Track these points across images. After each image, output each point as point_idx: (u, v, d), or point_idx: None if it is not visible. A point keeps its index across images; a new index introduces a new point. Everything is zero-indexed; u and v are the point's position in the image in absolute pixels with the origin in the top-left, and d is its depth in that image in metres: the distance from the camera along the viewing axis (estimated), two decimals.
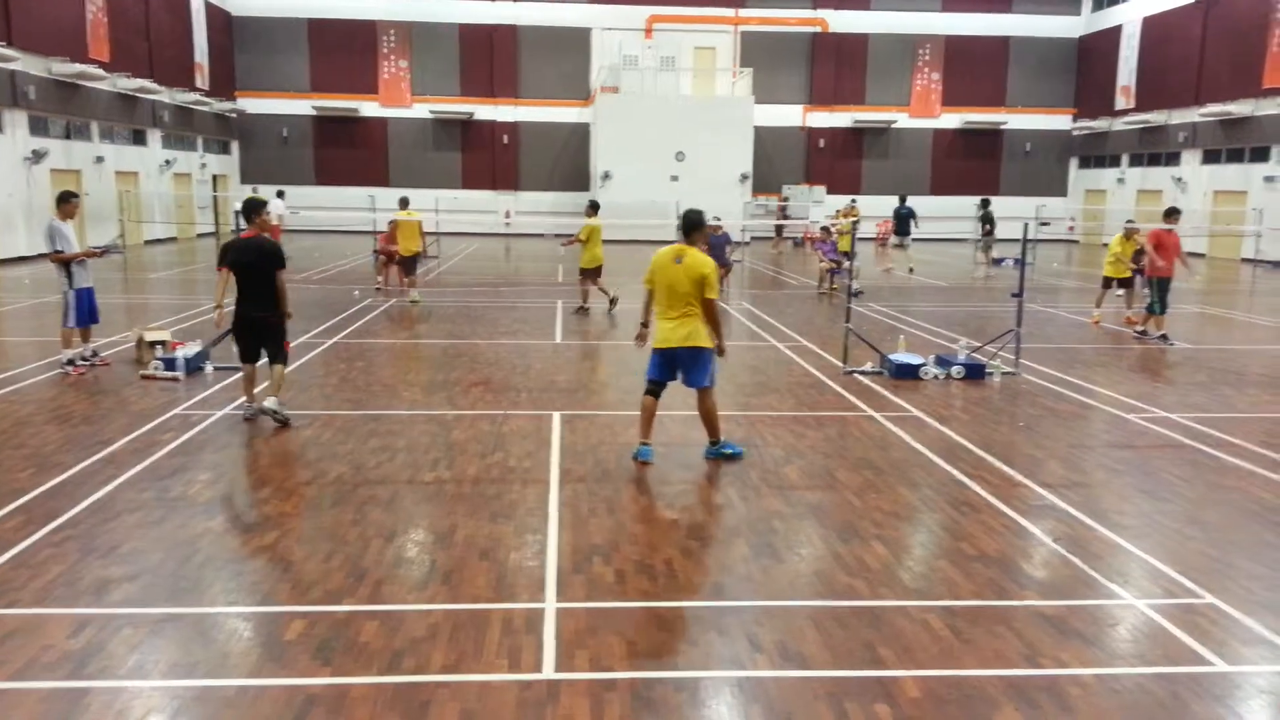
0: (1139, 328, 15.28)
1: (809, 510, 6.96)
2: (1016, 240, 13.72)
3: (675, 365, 7.95)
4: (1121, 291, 17.23)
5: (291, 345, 9.42)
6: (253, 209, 9.25)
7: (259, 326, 9.07)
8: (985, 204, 29.40)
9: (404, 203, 19.82)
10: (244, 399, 9.36)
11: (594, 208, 17.83)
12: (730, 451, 8.16)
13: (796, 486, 7.48)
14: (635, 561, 5.92)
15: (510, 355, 12.88)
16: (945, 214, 37.53)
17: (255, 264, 8.96)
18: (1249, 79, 32.32)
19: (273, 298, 9.01)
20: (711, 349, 7.89)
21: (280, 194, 31.76)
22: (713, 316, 7.85)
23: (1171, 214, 15.41)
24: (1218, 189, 34.64)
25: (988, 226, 28.33)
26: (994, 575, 5.80)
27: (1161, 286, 14.71)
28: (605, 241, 17.19)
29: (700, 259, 7.76)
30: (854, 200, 31.53)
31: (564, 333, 15.00)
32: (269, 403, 9.01)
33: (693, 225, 7.99)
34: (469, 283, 22.48)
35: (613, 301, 17.26)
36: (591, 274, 17.05)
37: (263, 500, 7.00)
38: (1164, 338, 14.61)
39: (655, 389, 8.09)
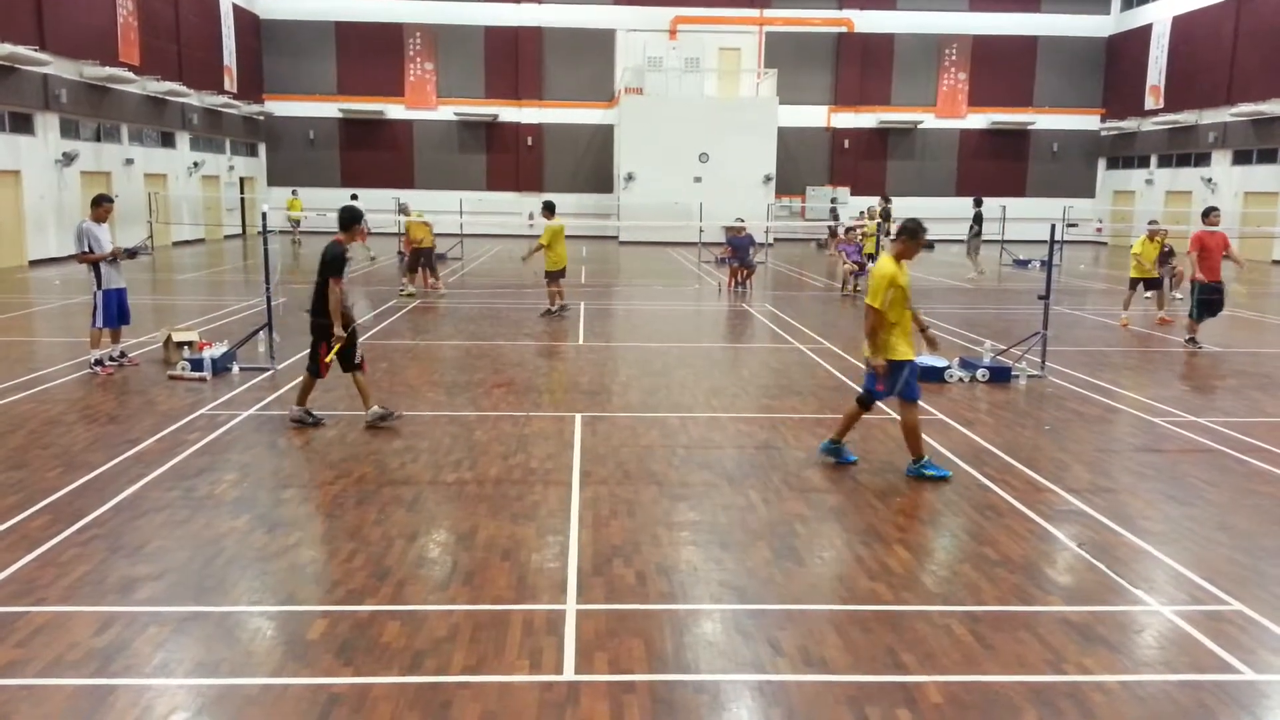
0: (1188, 335, 14.43)
1: (831, 513, 6.93)
2: (1042, 242, 13.62)
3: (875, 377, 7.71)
4: (1150, 293, 17.07)
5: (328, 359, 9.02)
6: (352, 219, 9.03)
7: (311, 331, 9.02)
8: (978, 203, 28.00)
9: (404, 209, 20.42)
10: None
11: (549, 209, 17.34)
12: (932, 474, 7.66)
13: (819, 489, 7.45)
14: (656, 564, 5.92)
15: (533, 357, 12.92)
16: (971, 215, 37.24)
17: (319, 270, 8.91)
18: None
19: (323, 304, 8.87)
20: (898, 361, 7.62)
21: (354, 198, 31.83)
22: (869, 324, 7.58)
23: (1210, 213, 14.66)
24: (1248, 190, 34.21)
25: (976, 228, 27.15)
26: (1018, 580, 5.75)
27: (1203, 291, 14.01)
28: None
29: (881, 264, 7.56)
30: (884, 201, 31.36)
31: (586, 335, 15.02)
32: (370, 412, 9.05)
33: (902, 231, 7.68)
34: (492, 284, 22.55)
35: (562, 308, 16.80)
36: (556, 276, 16.82)
37: (287, 500, 7.05)
38: (1192, 340, 14.26)
39: (862, 397, 7.99)
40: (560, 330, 15.35)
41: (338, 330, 8.83)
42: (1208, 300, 14.13)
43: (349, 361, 9.10)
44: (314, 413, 9.19)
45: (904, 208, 26.78)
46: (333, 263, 8.78)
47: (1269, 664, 4.79)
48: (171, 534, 6.28)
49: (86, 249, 11.36)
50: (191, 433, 8.78)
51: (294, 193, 39.14)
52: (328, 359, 8.94)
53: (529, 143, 42.20)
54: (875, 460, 8.26)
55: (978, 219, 27.41)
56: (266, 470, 7.81)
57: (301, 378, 9.33)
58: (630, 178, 37.73)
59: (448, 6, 41.20)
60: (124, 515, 6.61)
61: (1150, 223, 17.24)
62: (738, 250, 21.55)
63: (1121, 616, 5.30)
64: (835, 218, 34.13)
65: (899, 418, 7.87)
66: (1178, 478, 7.90)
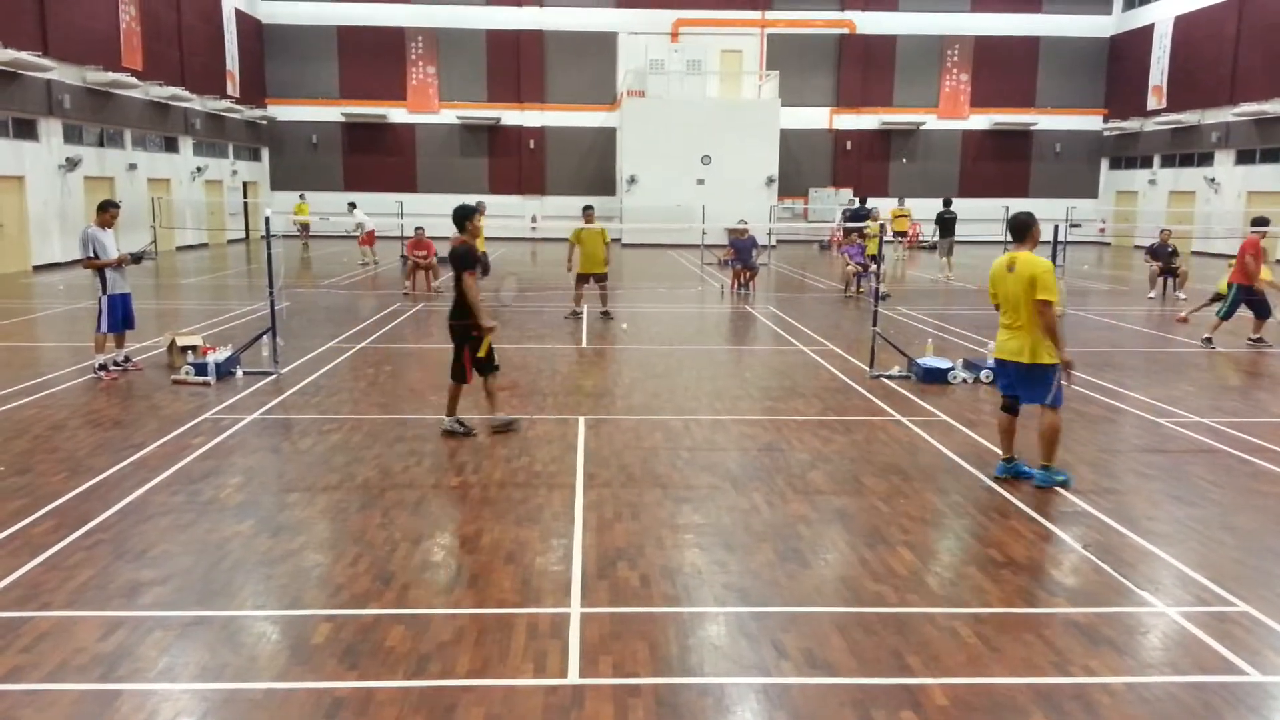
0: (1254, 335, 14.56)
1: (835, 515, 6.92)
2: (1045, 243, 13.56)
3: (1012, 378, 7.52)
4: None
5: (475, 365, 8.88)
6: (464, 217, 8.92)
7: (452, 334, 8.95)
8: (946, 204, 26.79)
9: (352, 206, 20.62)
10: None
11: (587, 211, 17.73)
12: (1061, 480, 7.51)
13: (823, 491, 7.45)
14: (660, 566, 5.91)
15: (536, 360, 12.92)
16: (974, 216, 37.24)
17: (454, 269, 8.79)
18: None
19: (462, 304, 8.75)
20: (1051, 365, 7.27)
21: (352, 205, 31.78)
22: (1046, 323, 7.15)
23: (1260, 222, 14.52)
24: (1251, 190, 34.16)
25: (944, 232, 26.02)
26: (1023, 582, 5.74)
27: (1238, 294, 14.10)
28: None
29: (1031, 261, 7.23)
30: (893, 204, 31.27)
31: (590, 337, 15.02)
32: (496, 418, 9.06)
33: (1022, 227, 7.43)
34: (495, 287, 22.53)
35: (574, 314, 16.96)
36: (581, 280, 16.98)
37: (291, 504, 7.06)
38: (1208, 340, 14.29)
39: (1006, 404, 7.65)
40: (563, 333, 15.35)
41: (485, 323, 8.74)
42: (1251, 302, 14.24)
43: (488, 364, 8.97)
44: (464, 421, 9.01)
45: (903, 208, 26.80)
46: (463, 258, 8.65)
47: (1275, 665, 4.77)
48: (176, 538, 6.29)
49: (92, 254, 11.38)
50: (196, 437, 8.79)
51: (301, 197, 39.19)
52: (481, 353, 8.83)
53: (531, 146, 42.22)
54: (878, 462, 8.25)
55: (941, 219, 26.37)
56: (271, 474, 7.82)
57: (447, 387, 9.12)
58: (633, 180, 37.73)
59: (449, 10, 41.24)
60: (129, 520, 6.62)
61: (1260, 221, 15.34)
62: (740, 252, 21.55)
63: (1127, 618, 5.29)
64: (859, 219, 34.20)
65: (1044, 422, 7.43)
66: (1182, 478, 7.88)
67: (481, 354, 8.86)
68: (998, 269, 7.55)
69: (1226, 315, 14.25)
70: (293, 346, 13.09)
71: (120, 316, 11.56)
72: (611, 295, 17.37)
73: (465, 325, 8.81)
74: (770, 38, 41.81)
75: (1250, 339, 14.59)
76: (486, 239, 19.97)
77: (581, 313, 16.95)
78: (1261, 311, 14.36)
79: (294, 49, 41.36)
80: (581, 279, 17.01)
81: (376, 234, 28.13)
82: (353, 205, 30.77)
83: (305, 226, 34.66)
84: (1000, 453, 7.84)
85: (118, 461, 7.96)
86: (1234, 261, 14.40)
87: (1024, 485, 7.59)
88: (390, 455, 8.31)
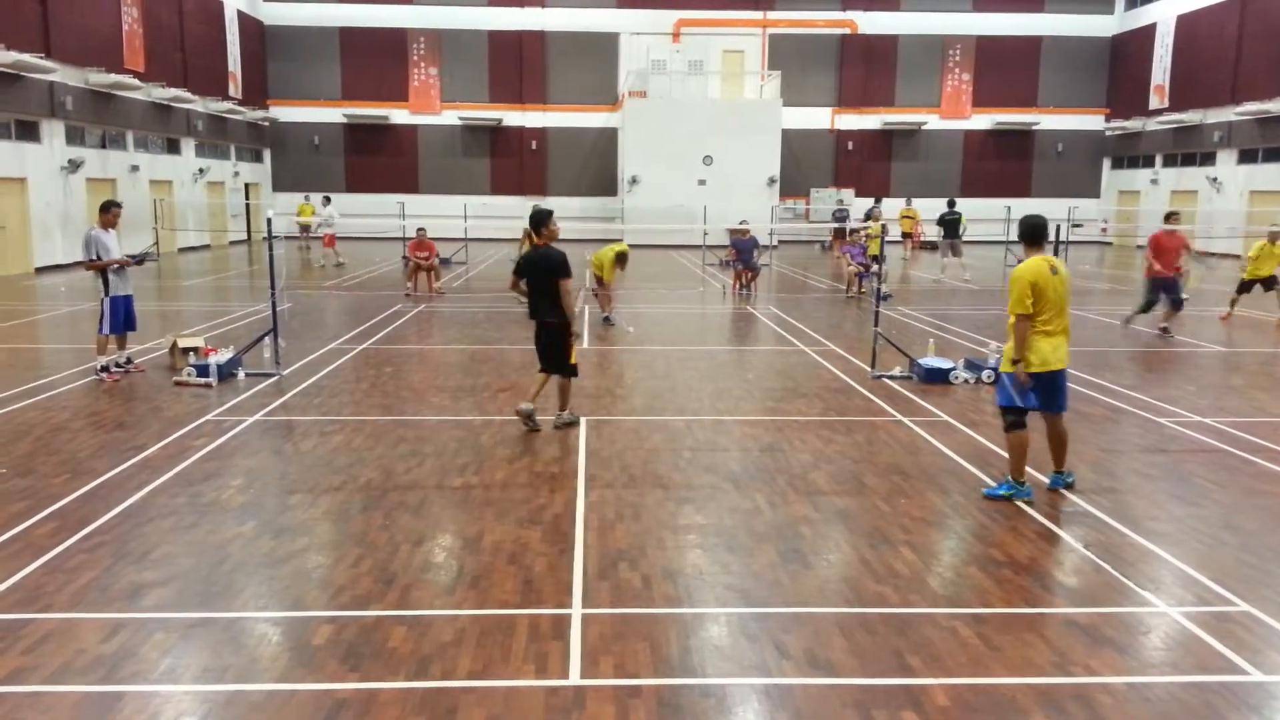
0: (1163, 324, 15.67)
1: (837, 516, 6.92)
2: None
3: (1051, 390, 7.18)
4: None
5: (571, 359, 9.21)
6: (540, 221, 9.13)
7: (542, 333, 9.23)
8: (951, 204, 26.32)
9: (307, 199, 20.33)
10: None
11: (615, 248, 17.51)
12: (1070, 481, 7.46)
13: (824, 492, 7.45)
14: (662, 567, 5.92)
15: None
16: (976, 216, 37.23)
17: (540, 274, 9.03)
18: None
19: (555, 305, 9.01)
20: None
21: (327, 199, 31.53)
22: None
23: (1171, 216, 15.75)
24: (1254, 189, 34.13)
25: (947, 233, 25.76)
26: (1024, 582, 5.74)
27: (1153, 287, 15.41)
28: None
29: (1059, 263, 7.14)
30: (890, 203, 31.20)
31: (590, 338, 15.03)
32: (559, 417, 9.33)
33: (1042, 229, 7.22)
34: (497, 288, 22.55)
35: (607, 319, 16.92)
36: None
37: (293, 505, 7.06)
38: (1164, 330, 15.45)
39: (1018, 420, 7.20)
40: None
41: (576, 327, 9.20)
42: (1159, 289, 15.48)
43: (570, 366, 9.27)
44: (533, 415, 9.20)
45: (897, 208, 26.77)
46: (562, 265, 8.93)
47: (1277, 665, 4.77)
48: (178, 540, 6.30)
49: (94, 256, 11.40)
50: (197, 438, 8.80)
51: (306, 198, 39.15)
52: (572, 358, 9.23)
53: (533, 147, 42.23)
54: (880, 463, 8.25)
55: (942, 221, 26.07)
56: (272, 476, 7.83)
57: (558, 384, 9.32)
58: (634, 181, 37.75)
59: (451, 11, 41.26)
60: (130, 521, 6.62)
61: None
62: (741, 253, 21.54)
63: (1128, 618, 5.29)
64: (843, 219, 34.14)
65: (1061, 427, 7.34)
66: (1183, 478, 7.88)
67: (572, 359, 9.24)
68: (1039, 274, 6.97)
69: (1146, 308, 15.66)
70: (294, 348, 13.10)
71: (122, 318, 11.57)
72: (613, 296, 17.32)
73: (559, 325, 9.07)
74: (772, 38, 41.81)
75: (1161, 327, 15.59)
76: (487, 239, 19.79)
77: (611, 317, 16.80)
78: (1176, 304, 15.55)
79: (296, 50, 41.39)
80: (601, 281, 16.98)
81: (392, 237, 27.94)
82: (328, 199, 30.48)
83: (306, 228, 34.63)
84: (1052, 467, 7.50)
85: (120, 463, 7.97)
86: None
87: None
88: (392, 456, 8.32)
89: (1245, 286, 16.88)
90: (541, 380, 9.32)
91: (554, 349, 9.17)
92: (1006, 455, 7.42)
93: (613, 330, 15.87)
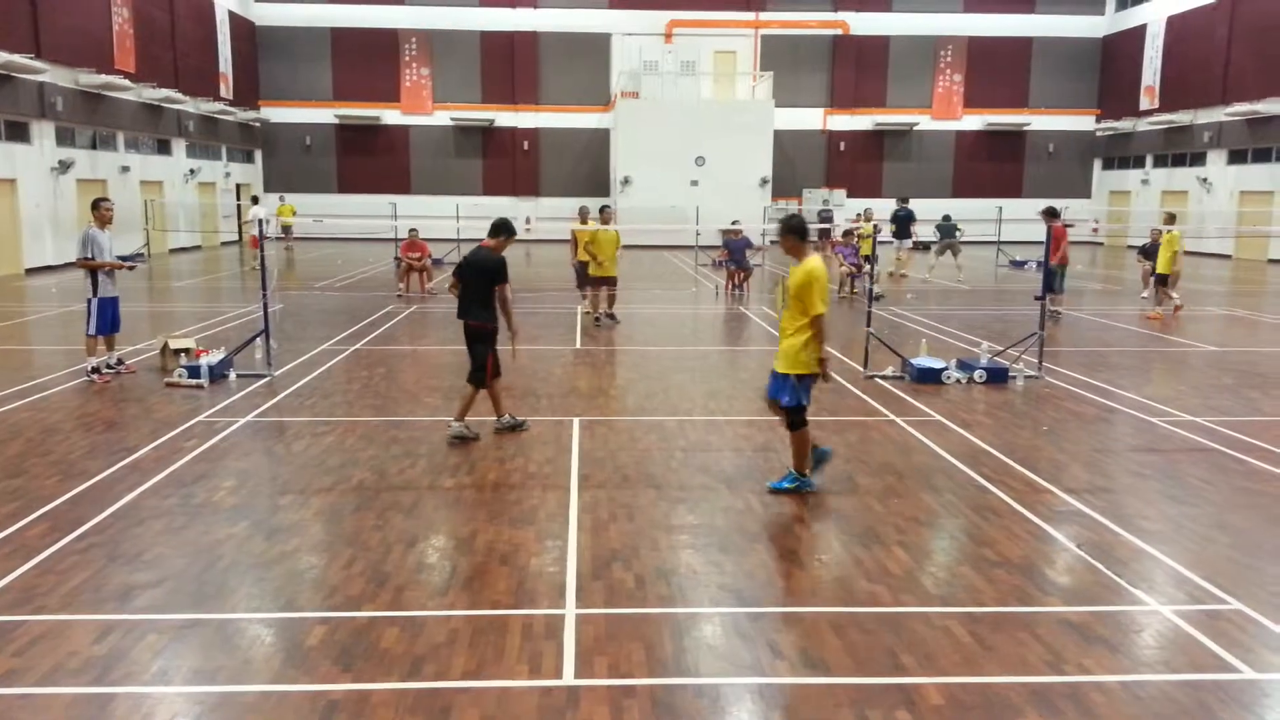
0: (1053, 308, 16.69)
1: (830, 515, 6.93)
2: (1038, 243, 13.65)
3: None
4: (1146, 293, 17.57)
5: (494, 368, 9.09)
6: (504, 229, 9.05)
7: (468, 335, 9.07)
8: (946, 220, 26.63)
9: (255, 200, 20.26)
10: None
11: (602, 211, 17.46)
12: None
13: (817, 492, 7.45)
14: (655, 567, 5.91)
15: (530, 361, 12.90)
16: (967, 216, 37.33)
17: (475, 274, 8.92)
18: (1276, 77, 31.96)
19: (483, 308, 8.90)
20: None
21: (255, 199, 31.04)
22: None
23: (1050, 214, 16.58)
24: (1244, 189, 34.29)
25: (943, 236, 25.94)
26: (1017, 581, 5.75)
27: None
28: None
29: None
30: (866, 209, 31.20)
31: (584, 339, 15.02)
32: (502, 420, 9.25)
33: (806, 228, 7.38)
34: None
35: (608, 316, 16.76)
36: (597, 282, 16.74)
37: (285, 506, 7.04)
38: (1055, 314, 16.68)
39: (805, 414, 7.33)
40: (557, 334, 15.34)
41: (516, 338, 9.15)
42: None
43: (496, 369, 9.10)
44: (470, 426, 9.00)
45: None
46: (501, 270, 8.87)
47: (1268, 663, 4.79)
48: (169, 541, 6.27)
49: (89, 256, 11.35)
50: (189, 440, 8.77)
51: (281, 199, 38.93)
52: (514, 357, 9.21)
53: (525, 147, 42.21)
54: (873, 462, 8.26)
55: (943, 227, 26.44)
56: (264, 477, 7.80)
57: (481, 392, 9.09)
58: (627, 181, 37.74)
59: (443, 12, 41.21)
60: (122, 523, 6.60)
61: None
62: (733, 253, 21.55)
63: (1121, 616, 5.31)
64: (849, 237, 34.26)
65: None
66: (1175, 477, 7.90)
67: (489, 368, 9.00)
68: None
69: (1061, 289, 17.54)
70: (286, 349, 13.06)
71: (109, 319, 11.52)
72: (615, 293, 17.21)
73: (487, 331, 8.91)
74: (764, 38, 41.86)
75: (1053, 310, 16.55)
76: (479, 239, 19.78)
77: (601, 315, 16.76)
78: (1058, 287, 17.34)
79: (287, 51, 41.29)
80: (597, 282, 16.77)
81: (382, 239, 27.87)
82: (255, 199, 29.97)
83: (287, 229, 34.49)
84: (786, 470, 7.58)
85: (111, 465, 7.94)
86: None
87: (1019, 484, 7.60)
88: (385, 457, 8.30)
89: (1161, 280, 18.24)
90: (496, 391, 9.19)
91: (473, 351, 8.99)
92: (792, 451, 7.40)
93: (613, 331, 15.85)
